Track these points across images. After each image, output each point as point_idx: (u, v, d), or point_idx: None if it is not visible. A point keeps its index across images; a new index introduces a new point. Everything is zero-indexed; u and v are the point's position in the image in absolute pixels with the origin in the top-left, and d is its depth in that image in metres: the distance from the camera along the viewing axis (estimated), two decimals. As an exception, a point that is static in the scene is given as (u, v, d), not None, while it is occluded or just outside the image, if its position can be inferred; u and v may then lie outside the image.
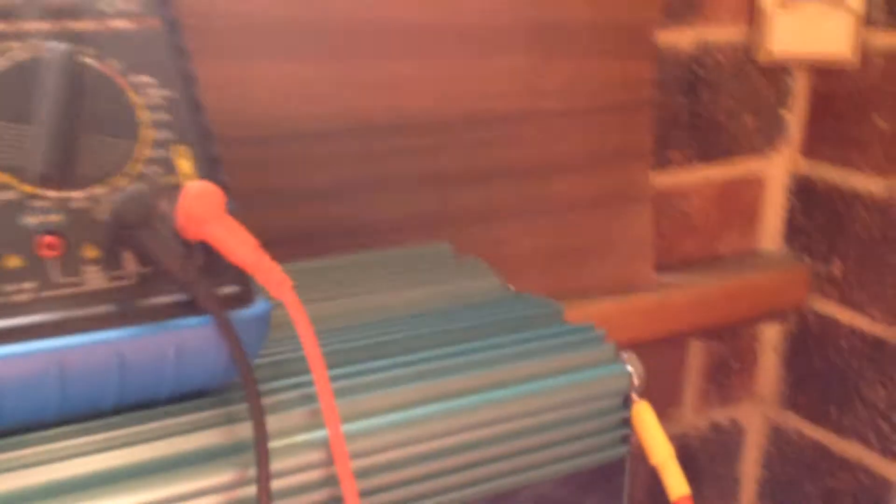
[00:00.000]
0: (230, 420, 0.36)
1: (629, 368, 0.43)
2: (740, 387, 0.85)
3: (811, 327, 0.80)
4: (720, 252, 0.81)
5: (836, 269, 0.77)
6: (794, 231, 0.81)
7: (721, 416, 0.85)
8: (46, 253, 0.34)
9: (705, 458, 0.85)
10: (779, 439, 0.85)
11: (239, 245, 0.35)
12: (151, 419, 0.35)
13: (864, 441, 0.77)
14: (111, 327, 0.34)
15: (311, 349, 0.36)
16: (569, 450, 0.42)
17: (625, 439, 0.43)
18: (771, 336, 0.84)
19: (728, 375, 0.84)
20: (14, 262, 0.33)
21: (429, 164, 0.64)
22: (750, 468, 0.87)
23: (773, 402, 0.85)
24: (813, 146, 0.78)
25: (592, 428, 0.42)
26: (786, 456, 0.84)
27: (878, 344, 0.75)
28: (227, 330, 0.34)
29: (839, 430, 0.79)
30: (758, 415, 0.86)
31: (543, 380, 0.41)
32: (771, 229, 0.82)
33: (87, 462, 0.33)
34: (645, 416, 0.45)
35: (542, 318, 0.46)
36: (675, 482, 0.45)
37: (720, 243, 0.81)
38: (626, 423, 0.43)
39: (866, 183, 0.74)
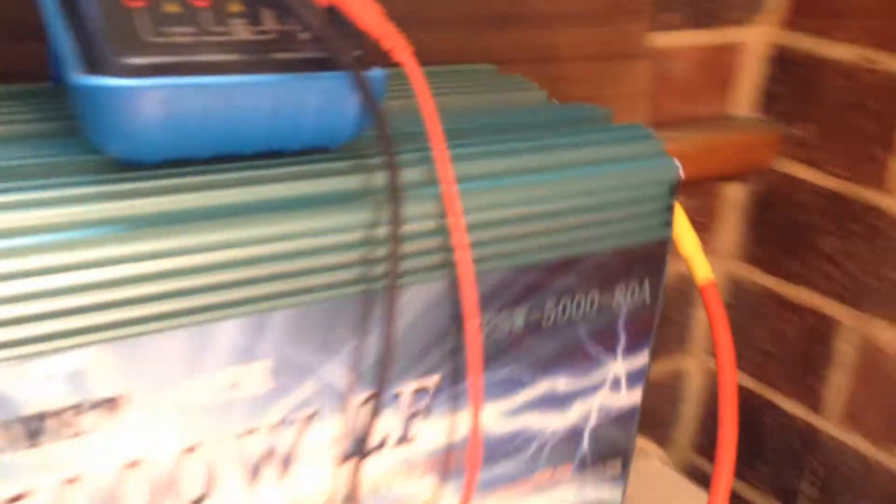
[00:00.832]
0: (361, 170, 0.40)
1: (677, 163, 0.48)
2: (703, 241, 0.92)
3: (775, 186, 0.87)
4: (698, 114, 0.87)
5: (805, 132, 0.84)
6: (768, 97, 0.87)
7: (683, 266, 0.91)
8: (199, 3, 0.37)
9: (664, 303, 0.92)
10: (734, 288, 0.92)
11: (366, 10, 0.39)
12: (290, 164, 0.39)
13: (814, 286, 0.85)
14: (261, 73, 0.37)
15: (428, 107, 0.40)
16: (624, 227, 0.47)
17: (668, 223, 0.49)
18: (736, 194, 0.91)
19: (693, 230, 0.91)
20: (173, 7, 0.37)
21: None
22: (703, 314, 0.95)
23: (732, 256, 0.92)
24: (794, 17, 0.84)
25: (644, 211, 0.48)
26: (740, 304, 0.92)
27: (835, 198, 0.83)
28: (362, 84, 0.38)
29: (791, 277, 0.87)
30: (716, 266, 0.93)
31: (603, 165, 0.46)
32: (747, 95, 0.88)
33: (232, 194, 0.37)
34: (677, 213, 0.51)
35: (593, 119, 0.51)
36: (701, 269, 0.51)
37: (699, 106, 0.86)
38: (671, 209, 0.49)
39: (839, 51, 0.81)
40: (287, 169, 0.39)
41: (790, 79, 0.84)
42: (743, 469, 0.95)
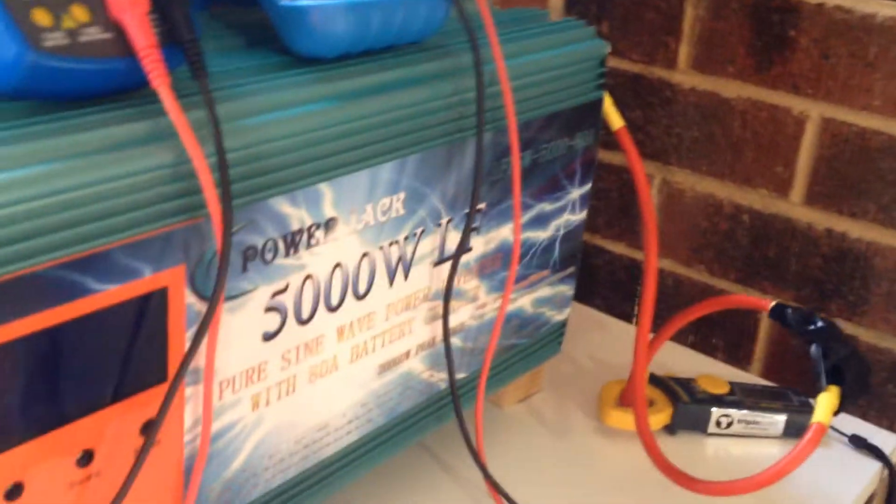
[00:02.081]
0: (449, 54, 0.58)
1: (604, 42, 0.69)
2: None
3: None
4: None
5: (605, 27, 1.08)
6: (573, 1, 1.10)
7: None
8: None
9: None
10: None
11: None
12: (407, 54, 0.56)
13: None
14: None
15: (484, 7, 0.58)
16: (577, 90, 0.67)
17: (601, 86, 0.69)
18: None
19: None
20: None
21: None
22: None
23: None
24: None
25: (586, 78, 0.68)
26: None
27: (637, 79, 1.07)
28: (447, -6, 0.56)
29: (608, 145, 1.12)
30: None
31: (554, 48, 0.66)
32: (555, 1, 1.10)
33: (386, 75, 0.54)
34: (605, 100, 0.71)
35: (538, 17, 0.71)
36: (615, 120, 0.73)
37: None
38: (603, 76, 0.69)
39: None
40: (407, 57, 0.56)
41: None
42: (587, 298, 1.20)
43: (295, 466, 0.57)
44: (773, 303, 0.73)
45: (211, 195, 0.44)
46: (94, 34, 0.42)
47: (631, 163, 0.73)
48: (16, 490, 0.42)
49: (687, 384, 0.81)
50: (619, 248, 1.14)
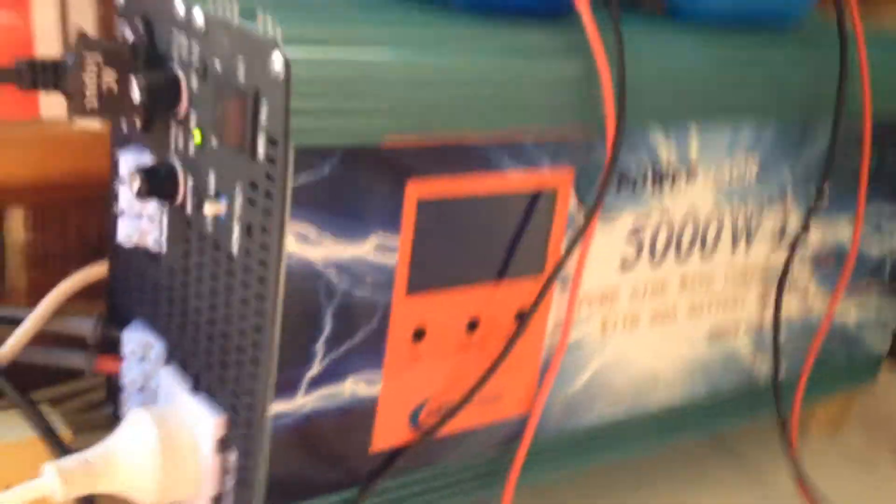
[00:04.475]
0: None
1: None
2: None
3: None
4: None
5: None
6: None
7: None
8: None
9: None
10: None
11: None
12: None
13: None
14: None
15: None
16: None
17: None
18: None
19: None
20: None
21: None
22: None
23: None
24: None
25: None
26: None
27: None
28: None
29: None
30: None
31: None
32: None
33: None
34: None
35: None
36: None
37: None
38: None
39: None
40: (774, 32, 0.62)
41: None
42: None
43: (624, 405, 0.61)
44: None
45: (609, 108, 0.50)
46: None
47: None
48: (420, 334, 0.50)
49: None
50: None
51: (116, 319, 0.58)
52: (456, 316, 0.51)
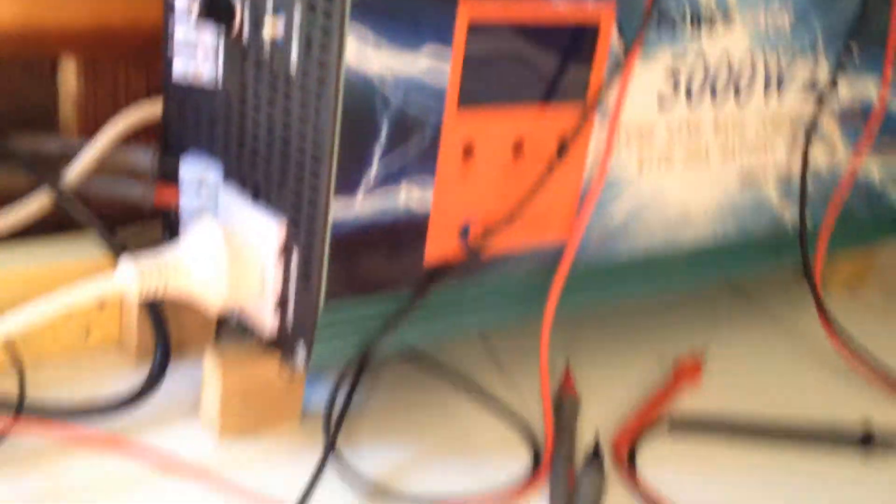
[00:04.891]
0: None
1: None
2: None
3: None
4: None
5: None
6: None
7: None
8: None
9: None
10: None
11: None
12: None
13: None
14: None
15: None
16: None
17: None
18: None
19: None
20: None
21: None
22: None
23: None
24: None
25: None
26: None
27: None
28: None
29: None
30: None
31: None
32: None
33: None
34: None
35: None
36: None
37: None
38: None
39: None
40: None
41: None
42: None
43: (657, 241, 0.64)
44: None
45: (652, -64, 0.52)
46: None
47: None
48: (469, 151, 0.52)
49: None
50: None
51: (171, 153, 0.61)
52: (502, 135, 0.53)
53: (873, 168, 0.75)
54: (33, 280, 0.58)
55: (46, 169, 0.60)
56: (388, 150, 0.49)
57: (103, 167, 0.62)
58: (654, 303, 0.77)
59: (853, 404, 0.67)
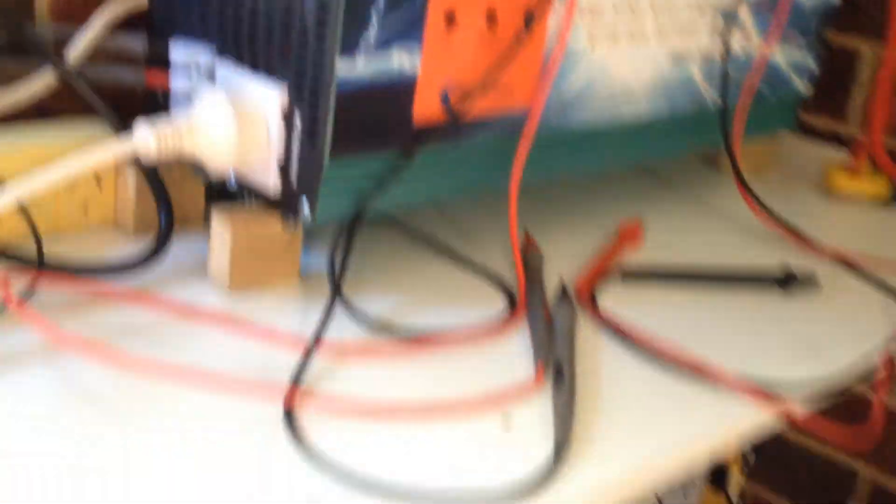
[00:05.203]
0: None
1: None
2: None
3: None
4: None
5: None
6: None
7: None
8: None
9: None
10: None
11: None
12: None
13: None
14: None
15: None
16: None
17: None
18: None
19: None
20: None
21: None
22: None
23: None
24: None
25: None
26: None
27: None
28: None
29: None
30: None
31: None
32: None
33: None
34: None
35: None
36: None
37: None
38: None
39: None
40: None
41: None
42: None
43: (605, 114, 0.71)
44: None
45: None
46: None
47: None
48: (451, 18, 0.58)
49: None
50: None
51: (161, 37, 0.65)
52: (478, 3, 0.59)
53: (780, 57, 0.84)
54: (43, 157, 0.61)
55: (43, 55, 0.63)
56: (385, 14, 0.55)
57: (96, 56, 0.65)
58: (590, 183, 0.85)
59: (772, 256, 0.76)
